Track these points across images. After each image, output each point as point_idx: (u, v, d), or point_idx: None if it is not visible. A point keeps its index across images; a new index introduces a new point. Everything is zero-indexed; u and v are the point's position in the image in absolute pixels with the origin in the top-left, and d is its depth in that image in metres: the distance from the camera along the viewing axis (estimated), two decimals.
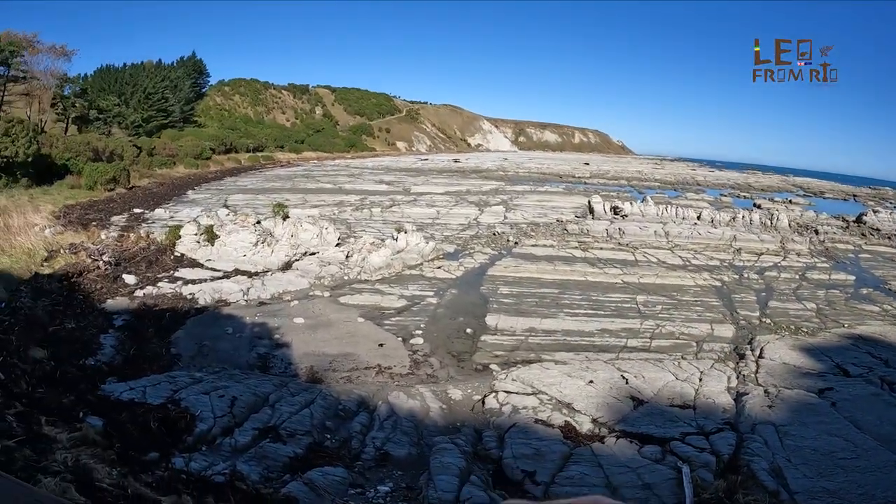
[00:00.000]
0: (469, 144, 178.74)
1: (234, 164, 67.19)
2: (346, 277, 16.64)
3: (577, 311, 14.90)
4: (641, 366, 11.32)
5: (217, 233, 17.87)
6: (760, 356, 12.37)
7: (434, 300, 15.18)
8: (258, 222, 18.76)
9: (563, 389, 9.84)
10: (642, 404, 9.64)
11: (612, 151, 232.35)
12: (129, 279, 15.00)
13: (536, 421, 8.91)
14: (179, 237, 17.96)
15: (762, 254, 23.65)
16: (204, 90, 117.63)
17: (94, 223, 23.71)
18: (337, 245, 18.82)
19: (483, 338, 12.80)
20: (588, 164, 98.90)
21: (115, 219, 26.44)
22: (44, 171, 36.43)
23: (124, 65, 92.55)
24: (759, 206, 37.71)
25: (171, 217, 27.67)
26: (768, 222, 29.45)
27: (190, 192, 41.00)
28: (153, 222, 26.11)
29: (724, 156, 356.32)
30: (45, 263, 15.24)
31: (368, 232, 22.67)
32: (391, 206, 31.60)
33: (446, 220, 27.57)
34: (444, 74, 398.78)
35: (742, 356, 12.55)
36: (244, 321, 12.85)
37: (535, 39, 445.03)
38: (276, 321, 12.88)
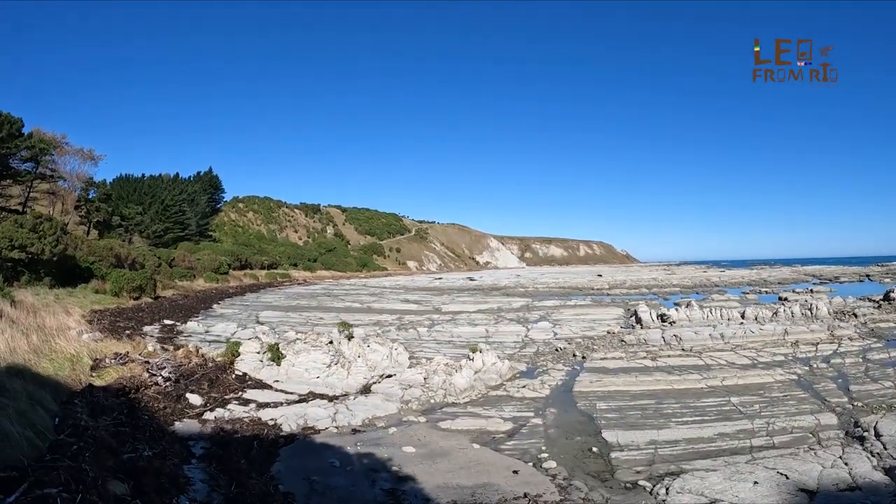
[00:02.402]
0: (477, 262, 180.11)
1: (251, 280, 66.72)
2: (432, 401, 15.02)
3: (684, 419, 13.88)
4: (783, 461, 10.51)
5: (283, 352, 16.10)
6: (878, 435, 11.90)
7: (538, 421, 13.72)
8: (330, 342, 17.01)
9: (738, 494, 9.02)
10: (815, 494, 9.09)
11: (617, 261, 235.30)
12: (194, 399, 13.09)
13: None
14: (238, 354, 16.20)
15: (818, 343, 23.07)
16: (219, 205, 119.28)
17: (127, 332, 22.17)
18: (410, 367, 17.07)
19: (612, 455, 11.43)
20: (601, 275, 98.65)
21: (147, 329, 24.89)
22: (67, 273, 35.42)
23: (143, 175, 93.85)
24: (785, 299, 36.60)
25: (207, 331, 26.09)
26: (809, 313, 28.94)
27: (216, 305, 39.75)
28: (189, 335, 24.52)
29: (726, 255, 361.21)
30: (93, 373, 13.45)
31: (424, 352, 21.34)
32: (434, 326, 29.98)
33: (499, 339, 25.94)
34: (450, 193, 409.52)
35: (861, 438, 11.94)
36: (347, 452, 11.04)
37: (537, 154, 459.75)
38: (384, 451, 11.16)
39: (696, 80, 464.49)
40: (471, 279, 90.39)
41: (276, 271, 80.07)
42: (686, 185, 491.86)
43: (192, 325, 27.97)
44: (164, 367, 14.12)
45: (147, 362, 14.87)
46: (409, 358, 18.88)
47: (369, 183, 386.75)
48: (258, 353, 16.25)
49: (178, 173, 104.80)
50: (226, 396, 13.80)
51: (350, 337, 17.64)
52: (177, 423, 11.56)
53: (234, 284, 59.63)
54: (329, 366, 15.80)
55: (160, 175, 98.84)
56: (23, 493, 6.39)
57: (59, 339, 15.72)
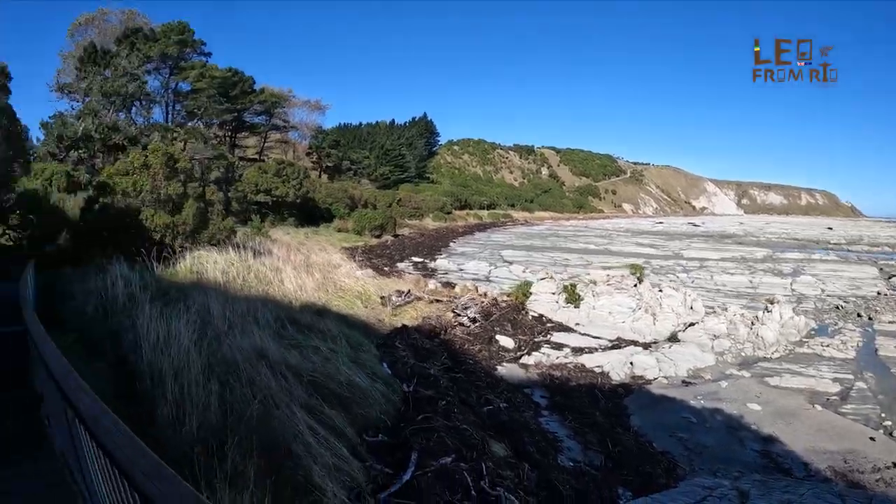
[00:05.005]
0: (693, 207, 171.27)
1: (475, 220, 67.75)
2: (743, 353, 13.91)
3: None
4: None
5: (580, 293, 15.16)
6: None
7: (862, 384, 12.45)
8: (635, 285, 15.93)
9: None
10: None
11: (841, 214, 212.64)
12: (505, 342, 12.54)
13: None
14: (530, 295, 15.50)
15: None
16: (434, 149, 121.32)
17: (385, 268, 22.54)
18: (706, 315, 15.67)
19: None
20: (831, 228, 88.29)
21: (400, 266, 25.35)
22: (307, 213, 38.58)
23: (360, 123, 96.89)
24: None
25: (461, 269, 26.13)
26: None
27: (452, 244, 40.40)
28: (445, 273, 24.66)
29: None
30: (393, 313, 13.22)
31: (704, 299, 19.66)
32: (689, 272, 28.27)
33: (765, 291, 23.60)
34: (664, 134, 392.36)
35: None
36: (693, 406, 10.35)
37: (757, 100, 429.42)
38: (730, 407, 10.43)
39: None
40: (694, 225, 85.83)
41: (497, 212, 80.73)
42: None
43: (441, 262, 28.18)
44: (469, 308, 13.67)
45: (437, 301, 14.56)
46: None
47: (582, 123, 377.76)
48: (553, 293, 15.52)
49: (393, 120, 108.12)
50: (535, 339, 13.18)
51: (640, 280, 16.39)
52: (498, 368, 11.00)
53: (461, 224, 60.92)
54: (634, 310, 14.78)
55: (377, 123, 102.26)
56: (417, 464, 5.75)
57: (337, 275, 15.80)
